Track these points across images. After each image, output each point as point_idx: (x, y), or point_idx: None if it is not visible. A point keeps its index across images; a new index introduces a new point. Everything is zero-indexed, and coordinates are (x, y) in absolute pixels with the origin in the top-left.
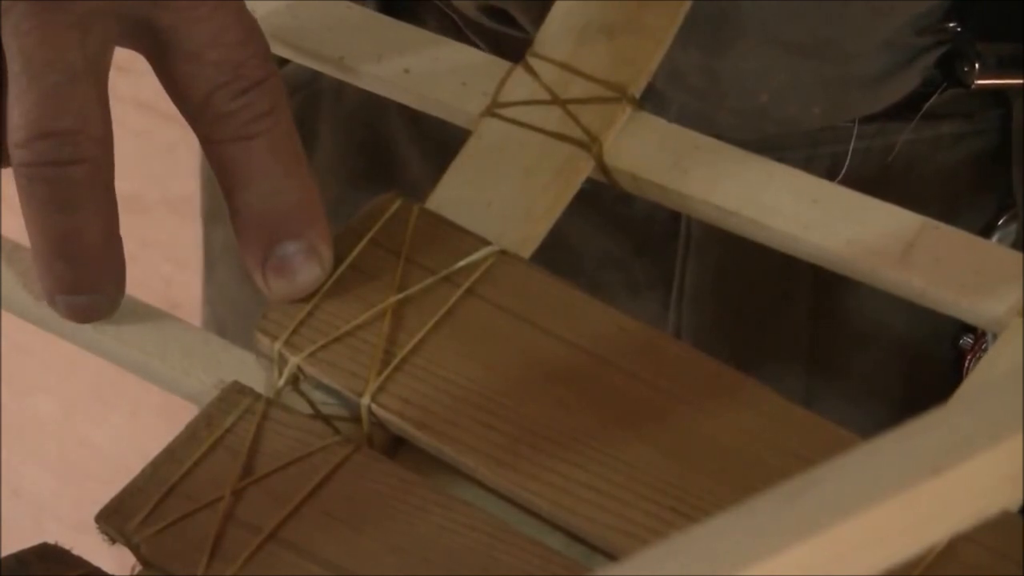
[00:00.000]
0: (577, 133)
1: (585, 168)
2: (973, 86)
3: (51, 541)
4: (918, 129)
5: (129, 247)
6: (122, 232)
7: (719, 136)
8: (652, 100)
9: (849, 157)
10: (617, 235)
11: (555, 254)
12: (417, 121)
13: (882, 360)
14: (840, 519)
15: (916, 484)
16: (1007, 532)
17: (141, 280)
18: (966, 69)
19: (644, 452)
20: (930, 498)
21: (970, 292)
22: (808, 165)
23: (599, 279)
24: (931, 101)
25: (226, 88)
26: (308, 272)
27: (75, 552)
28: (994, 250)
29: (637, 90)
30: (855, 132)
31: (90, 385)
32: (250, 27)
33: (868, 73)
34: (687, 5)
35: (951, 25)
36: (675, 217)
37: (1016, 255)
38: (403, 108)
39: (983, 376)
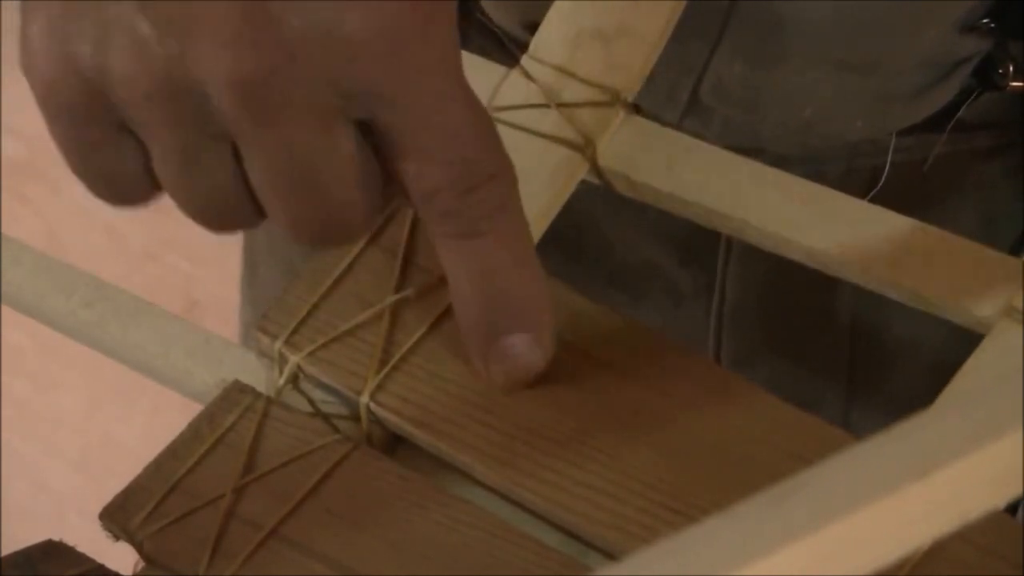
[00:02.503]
0: (572, 136)
1: (580, 171)
2: (1007, 88)
3: (74, 534)
4: (955, 142)
5: (149, 245)
6: (142, 230)
7: (762, 149)
8: (697, 113)
9: (887, 169)
10: (661, 246)
11: (599, 263)
12: None
13: (922, 375)
14: (828, 522)
15: (902, 487)
16: (1001, 532)
17: (161, 277)
18: (1000, 72)
19: (638, 450)
20: (916, 501)
21: (959, 294)
22: (847, 177)
23: (642, 289)
24: (966, 106)
25: (454, 187)
26: (530, 361)
27: (97, 545)
28: (983, 252)
29: (630, 93)
30: (892, 144)
31: (113, 382)
32: (482, 120)
33: (910, 85)
34: (680, 7)
35: (985, 21)
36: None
37: (1005, 257)
38: None
39: (969, 378)
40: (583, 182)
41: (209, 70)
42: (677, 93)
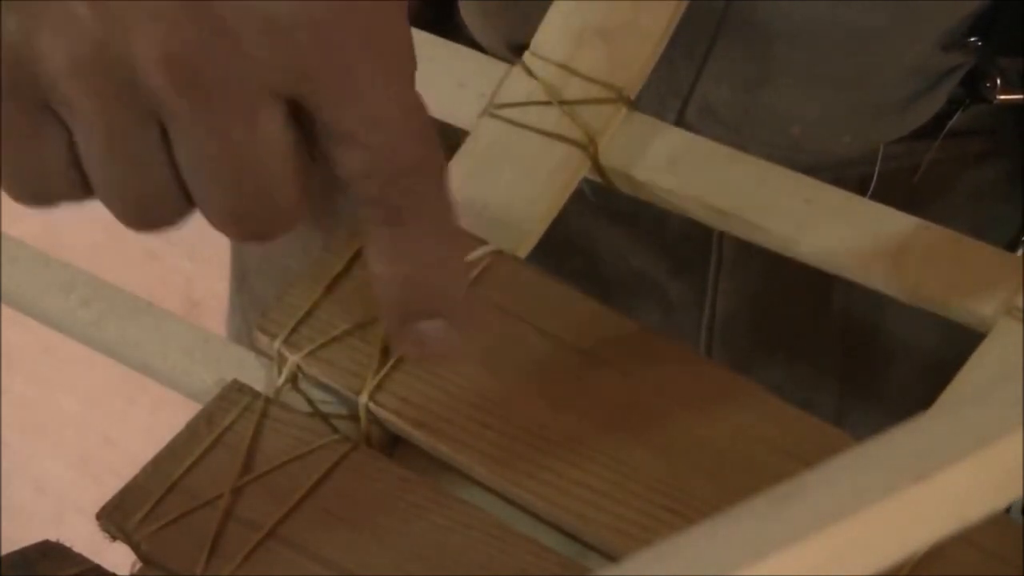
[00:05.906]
0: (574, 133)
1: (581, 168)
2: (996, 101)
3: (72, 534)
4: (944, 148)
5: (151, 244)
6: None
7: None
8: None
9: (875, 178)
10: (652, 257)
11: (588, 273)
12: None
13: (914, 377)
14: (828, 524)
15: (901, 490)
16: (1003, 534)
17: (162, 277)
18: (988, 85)
19: (638, 451)
20: (915, 504)
21: (960, 292)
22: (836, 185)
23: (632, 300)
24: (955, 118)
25: (375, 175)
26: (443, 346)
27: (96, 545)
28: (984, 250)
29: (633, 91)
30: (881, 153)
31: (111, 382)
32: (411, 111)
33: (897, 99)
34: (683, 7)
35: (973, 40)
36: (708, 238)
37: (1006, 255)
38: None
39: (970, 378)
40: (573, 193)
41: (139, 44)
42: (664, 115)
